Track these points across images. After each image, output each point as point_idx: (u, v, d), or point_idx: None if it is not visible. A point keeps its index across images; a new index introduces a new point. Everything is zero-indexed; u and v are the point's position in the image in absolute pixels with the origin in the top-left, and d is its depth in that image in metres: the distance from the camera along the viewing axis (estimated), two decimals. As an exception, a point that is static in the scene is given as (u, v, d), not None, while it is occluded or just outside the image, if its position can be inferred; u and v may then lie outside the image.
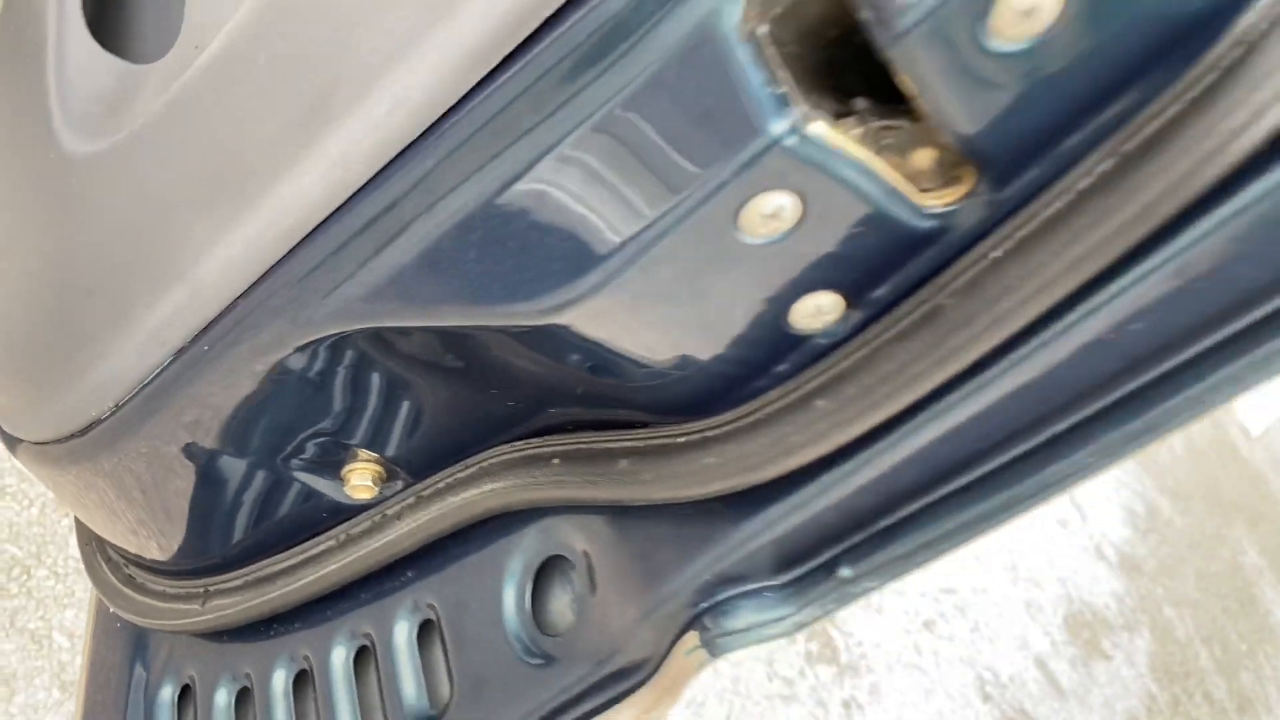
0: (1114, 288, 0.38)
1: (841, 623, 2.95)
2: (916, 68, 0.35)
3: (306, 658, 0.67)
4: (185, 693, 0.74)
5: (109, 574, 0.77)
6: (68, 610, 1.53)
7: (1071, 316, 0.39)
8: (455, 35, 0.41)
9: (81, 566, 1.57)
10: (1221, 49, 0.35)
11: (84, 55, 0.67)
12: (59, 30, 0.69)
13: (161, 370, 0.56)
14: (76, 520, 0.82)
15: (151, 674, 0.75)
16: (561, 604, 0.58)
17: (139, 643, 0.78)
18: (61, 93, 0.64)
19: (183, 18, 0.68)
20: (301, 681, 0.68)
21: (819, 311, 0.43)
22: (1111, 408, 0.41)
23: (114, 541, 0.76)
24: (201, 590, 0.71)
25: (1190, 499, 5.22)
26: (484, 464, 0.59)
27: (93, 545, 0.79)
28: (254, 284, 0.50)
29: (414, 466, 0.61)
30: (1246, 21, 0.35)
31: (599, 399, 0.52)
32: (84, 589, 1.56)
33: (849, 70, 0.38)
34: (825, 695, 2.72)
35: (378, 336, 0.53)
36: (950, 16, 0.33)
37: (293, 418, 0.59)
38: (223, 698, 0.70)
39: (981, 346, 0.39)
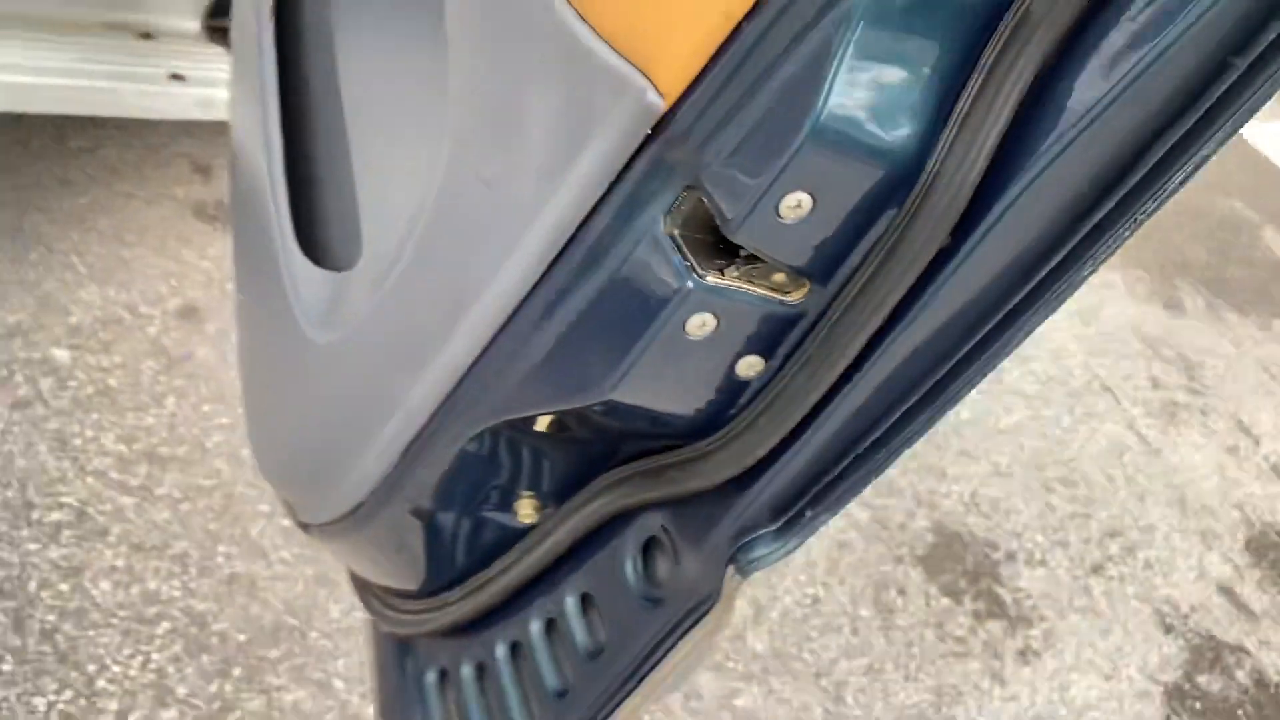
0: (893, 333, 0.68)
1: (1007, 580, 3.15)
2: (749, 242, 0.67)
3: (515, 633, 1.01)
4: (442, 675, 1.10)
5: (376, 603, 1.15)
6: (339, 660, 1.95)
7: (877, 354, 0.69)
8: (521, 260, 0.75)
9: (341, 627, 1.99)
10: (916, 190, 0.65)
11: (304, 272, 1.05)
12: (285, 257, 1.07)
13: (395, 466, 0.92)
14: (350, 572, 1.21)
15: (417, 666, 1.12)
16: (663, 566, 0.90)
17: (403, 648, 1.15)
18: (298, 302, 1.02)
19: (360, 231, 1.05)
20: (515, 650, 1.02)
21: (750, 366, 0.75)
22: (927, 394, 0.72)
23: (377, 581, 1.14)
24: (440, 604, 1.07)
25: (1378, 402, 5.08)
26: (598, 487, 0.92)
27: (364, 586, 1.16)
28: (440, 405, 0.86)
29: (557, 496, 0.95)
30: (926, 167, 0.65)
31: (653, 435, 0.85)
32: (349, 643, 1.97)
33: None
34: (999, 648, 2.92)
35: (522, 421, 0.88)
36: (757, 216, 0.65)
37: (476, 480, 0.94)
38: (467, 672, 1.06)
39: (829, 379, 0.70)
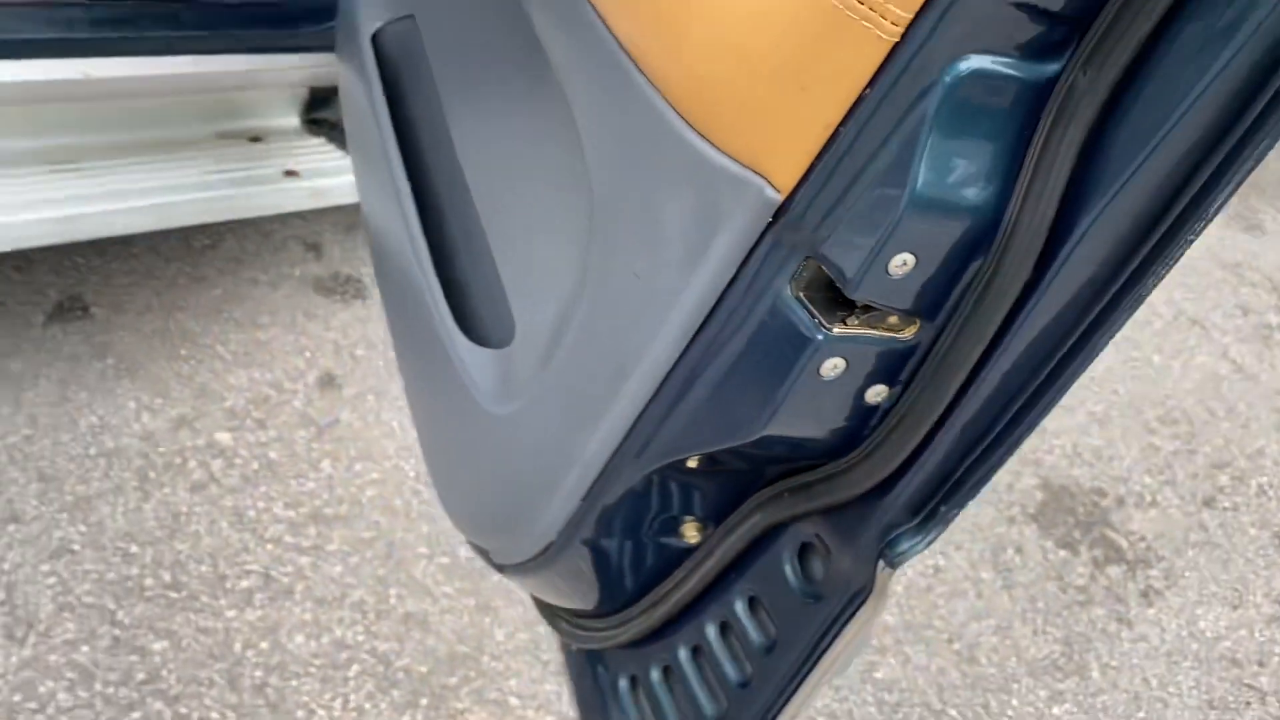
0: (995, 354, 0.83)
1: (1120, 525, 3.22)
2: (865, 298, 0.81)
3: (694, 637, 1.17)
4: (633, 681, 1.26)
5: (565, 625, 1.32)
6: (511, 680, 2.13)
7: (985, 372, 0.83)
8: (671, 333, 0.91)
9: (508, 648, 2.17)
10: (999, 239, 0.79)
11: (471, 356, 1.22)
12: (451, 344, 1.24)
13: (577, 510, 1.08)
14: (534, 599, 1.38)
15: (609, 675, 1.29)
16: (818, 567, 1.05)
17: (594, 661, 1.32)
18: (471, 382, 1.19)
19: (508, 310, 1.22)
20: (696, 652, 1.19)
21: (877, 394, 0.90)
22: (1029, 399, 0.86)
23: (564, 606, 1.31)
24: (623, 620, 1.23)
25: None
26: (751, 506, 1.08)
27: (552, 612, 1.33)
28: (612, 455, 1.02)
29: (716, 518, 1.11)
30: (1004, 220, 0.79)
31: (797, 457, 1.00)
32: (518, 662, 2.16)
33: None
34: (1121, 591, 3.00)
35: (679, 461, 1.04)
36: (871, 276, 0.79)
37: (646, 513, 1.10)
38: (656, 675, 1.22)
39: (947, 396, 0.85)
